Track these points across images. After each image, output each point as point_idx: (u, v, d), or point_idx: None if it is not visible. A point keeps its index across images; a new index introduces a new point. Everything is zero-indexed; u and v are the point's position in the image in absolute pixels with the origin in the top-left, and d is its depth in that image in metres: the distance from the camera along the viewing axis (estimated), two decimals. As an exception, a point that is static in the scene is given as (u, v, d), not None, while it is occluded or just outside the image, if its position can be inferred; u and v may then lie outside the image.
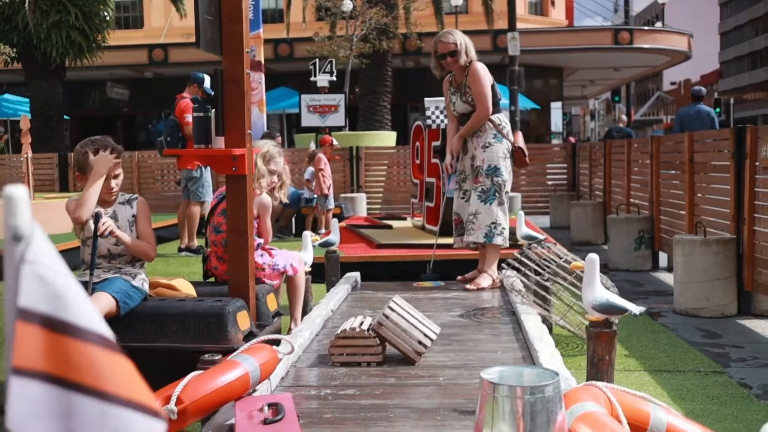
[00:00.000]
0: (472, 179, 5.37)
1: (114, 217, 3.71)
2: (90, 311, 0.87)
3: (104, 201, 3.70)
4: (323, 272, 5.70)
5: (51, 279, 0.85)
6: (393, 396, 2.91)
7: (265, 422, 2.22)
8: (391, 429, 2.53)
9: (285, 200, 4.80)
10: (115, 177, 3.69)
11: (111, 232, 3.55)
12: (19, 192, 0.84)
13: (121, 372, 0.87)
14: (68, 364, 0.84)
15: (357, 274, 5.68)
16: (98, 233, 3.51)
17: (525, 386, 1.95)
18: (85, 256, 3.66)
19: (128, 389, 0.87)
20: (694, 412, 3.57)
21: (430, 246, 6.43)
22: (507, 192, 5.36)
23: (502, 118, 5.45)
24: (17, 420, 0.81)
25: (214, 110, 3.82)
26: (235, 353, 2.68)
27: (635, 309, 2.90)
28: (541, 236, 5.63)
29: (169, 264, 8.51)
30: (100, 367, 0.85)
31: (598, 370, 2.83)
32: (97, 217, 3.51)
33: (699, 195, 7.20)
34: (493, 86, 5.38)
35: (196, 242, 9.54)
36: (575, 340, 4.95)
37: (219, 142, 3.80)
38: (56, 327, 0.84)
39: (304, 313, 4.62)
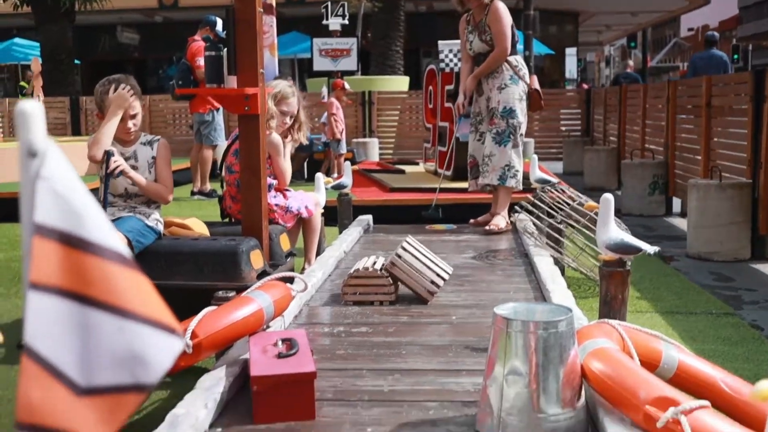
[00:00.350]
0: (488, 121, 5.32)
1: (134, 157, 3.70)
2: (106, 228, 0.87)
3: (123, 141, 3.69)
4: (335, 215, 5.70)
5: (67, 195, 0.84)
6: (405, 333, 2.93)
7: (280, 356, 2.24)
8: (403, 365, 2.55)
9: (305, 141, 4.76)
10: (133, 117, 3.66)
11: (122, 172, 3.54)
12: (31, 107, 0.83)
13: (138, 289, 0.87)
14: (85, 279, 0.84)
15: (369, 217, 5.68)
16: (108, 171, 3.51)
17: (538, 321, 1.95)
18: (102, 195, 3.66)
19: (145, 306, 0.87)
20: (706, 353, 3.58)
21: (442, 191, 6.42)
22: (522, 134, 5.32)
23: (519, 60, 5.38)
24: (35, 334, 0.82)
25: (226, 49, 3.78)
26: (249, 290, 2.69)
27: (649, 248, 2.89)
28: (554, 180, 5.60)
29: (182, 207, 8.55)
30: (116, 283, 0.85)
31: (611, 308, 2.83)
32: (108, 156, 3.50)
33: (715, 139, 7.12)
34: (512, 27, 5.30)
35: (209, 186, 9.58)
36: (587, 283, 4.96)
37: (231, 82, 3.76)
38: (73, 243, 0.84)
39: (318, 254, 4.63)
